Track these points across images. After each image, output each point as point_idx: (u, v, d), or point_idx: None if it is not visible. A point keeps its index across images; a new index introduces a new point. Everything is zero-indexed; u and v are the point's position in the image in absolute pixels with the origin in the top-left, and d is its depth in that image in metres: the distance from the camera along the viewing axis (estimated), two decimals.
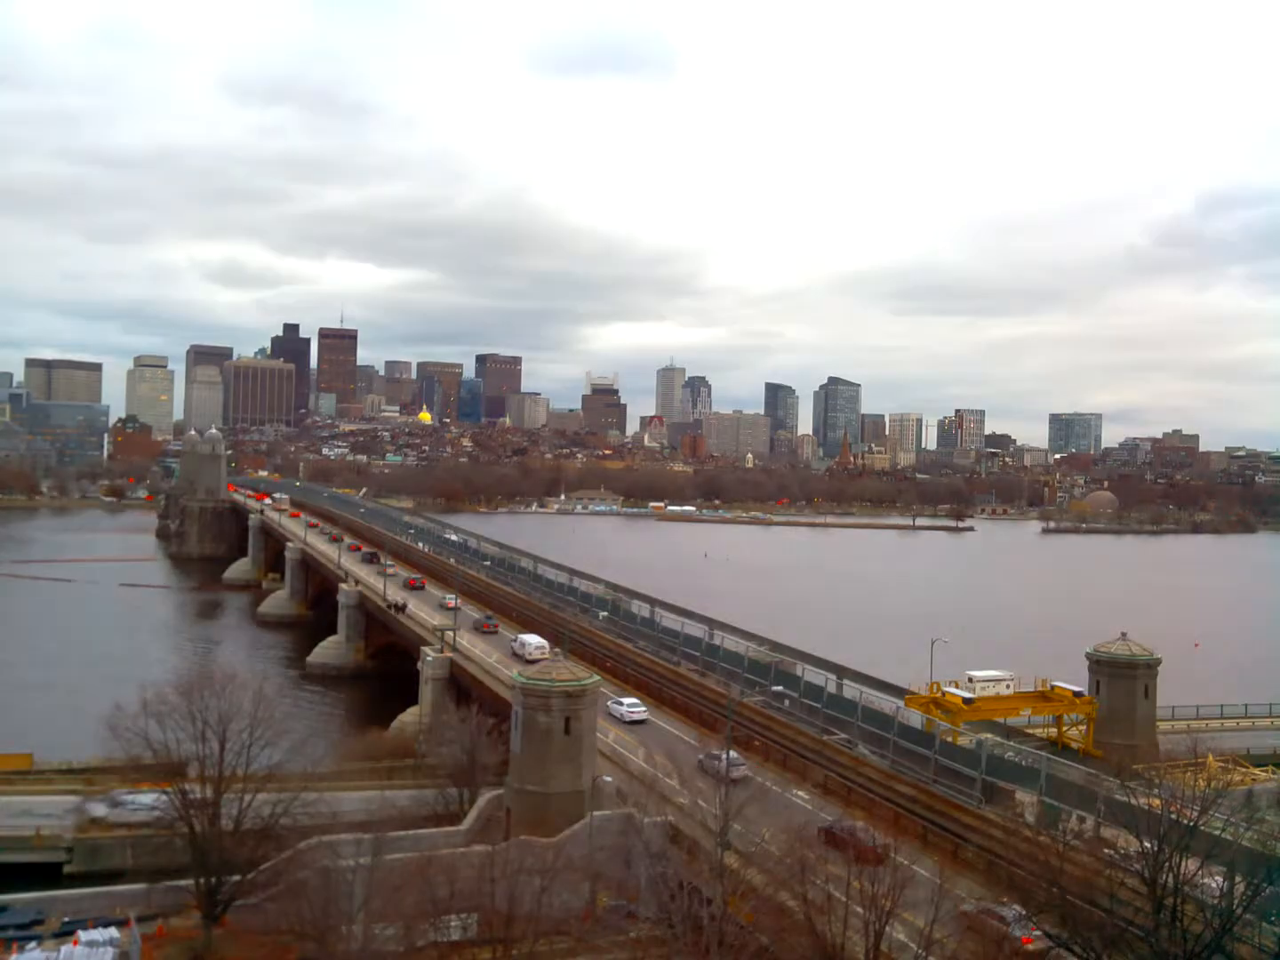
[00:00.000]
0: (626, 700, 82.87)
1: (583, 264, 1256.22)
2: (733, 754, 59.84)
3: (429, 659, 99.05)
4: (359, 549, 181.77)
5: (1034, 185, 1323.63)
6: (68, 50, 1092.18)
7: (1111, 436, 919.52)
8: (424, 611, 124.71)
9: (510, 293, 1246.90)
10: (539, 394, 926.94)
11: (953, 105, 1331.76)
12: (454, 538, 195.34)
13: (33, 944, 51.10)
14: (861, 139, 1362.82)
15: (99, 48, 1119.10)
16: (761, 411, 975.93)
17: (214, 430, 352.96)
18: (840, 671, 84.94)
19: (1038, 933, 42.81)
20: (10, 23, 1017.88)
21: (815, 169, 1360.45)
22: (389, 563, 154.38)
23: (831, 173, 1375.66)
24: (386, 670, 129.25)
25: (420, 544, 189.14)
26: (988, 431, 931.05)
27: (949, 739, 67.59)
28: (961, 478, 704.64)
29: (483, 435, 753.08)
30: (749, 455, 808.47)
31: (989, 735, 71.14)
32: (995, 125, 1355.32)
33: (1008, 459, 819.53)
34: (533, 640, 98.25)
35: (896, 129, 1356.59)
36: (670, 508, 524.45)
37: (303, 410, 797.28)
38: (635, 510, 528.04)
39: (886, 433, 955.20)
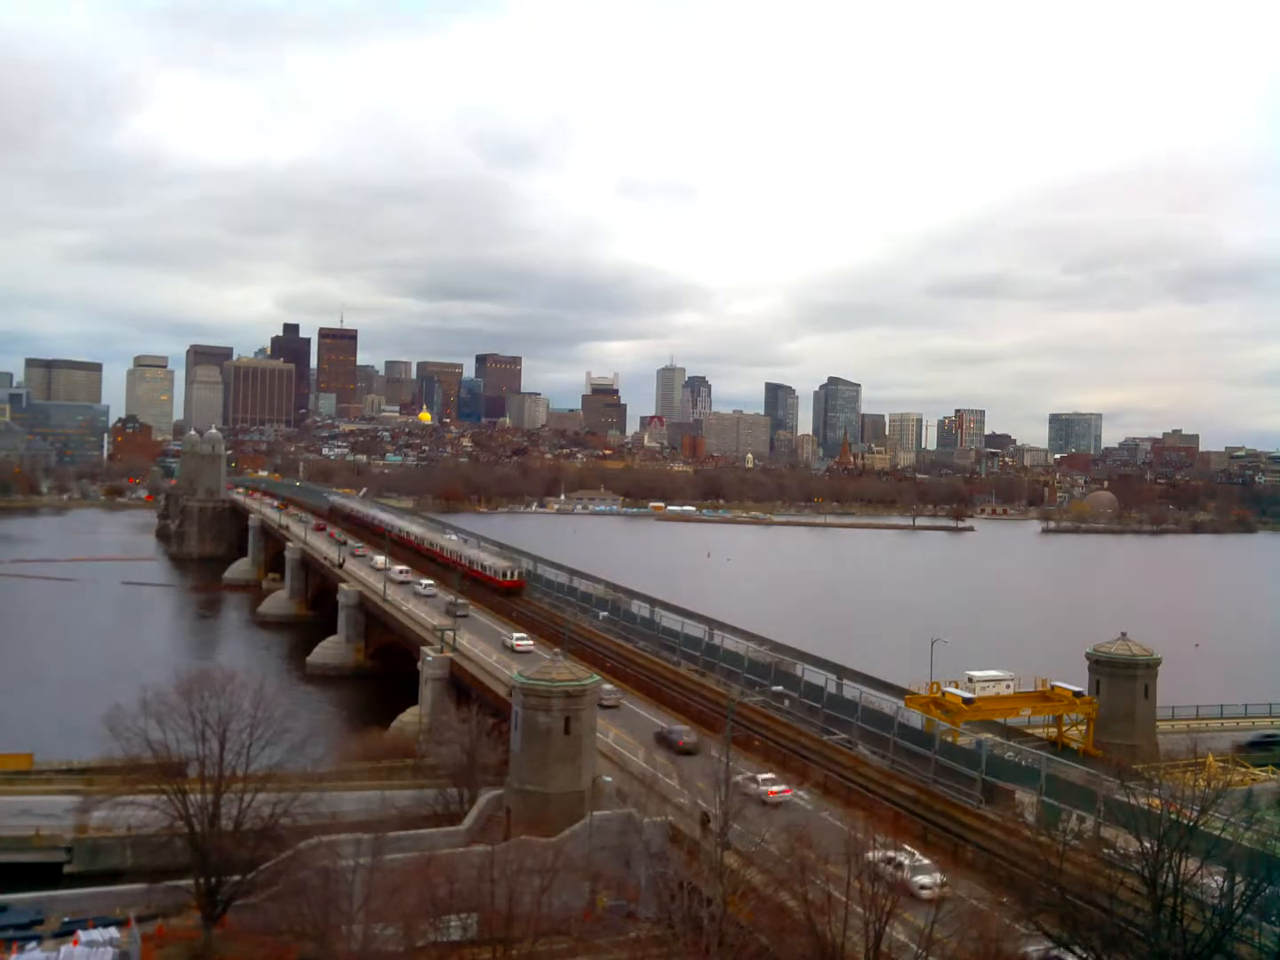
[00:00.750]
0: (515, 635, 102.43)
1: (608, 289, 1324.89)
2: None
3: (429, 659, 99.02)
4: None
5: (1002, 199, 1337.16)
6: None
7: (1111, 436, 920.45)
8: (363, 571, 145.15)
9: (535, 318, 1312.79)
10: (539, 394, 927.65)
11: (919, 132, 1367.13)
12: (453, 537, 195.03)
13: (33, 944, 51.12)
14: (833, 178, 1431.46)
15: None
16: (761, 411, 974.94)
17: (214, 430, 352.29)
18: (840, 671, 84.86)
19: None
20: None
21: (801, 212, 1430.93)
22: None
23: (815, 209, 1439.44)
24: (386, 670, 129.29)
25: None
26: (988, 431, 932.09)
27: (949, 739, 67.56)
28: (961, 478, 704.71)
29: (483, 435, 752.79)
30: (749, 455, 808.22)
31: (989, 735, 71.13)
32: (964, 139, 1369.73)
33: (1008, 459, 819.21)
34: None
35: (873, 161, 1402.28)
36: (670, 508, 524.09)
37: (303, 410, 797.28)
38: (635, 510, 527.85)
39: (886, 433, 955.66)
